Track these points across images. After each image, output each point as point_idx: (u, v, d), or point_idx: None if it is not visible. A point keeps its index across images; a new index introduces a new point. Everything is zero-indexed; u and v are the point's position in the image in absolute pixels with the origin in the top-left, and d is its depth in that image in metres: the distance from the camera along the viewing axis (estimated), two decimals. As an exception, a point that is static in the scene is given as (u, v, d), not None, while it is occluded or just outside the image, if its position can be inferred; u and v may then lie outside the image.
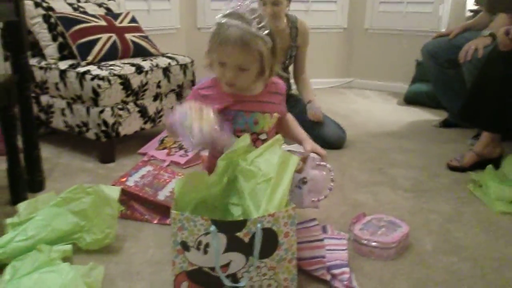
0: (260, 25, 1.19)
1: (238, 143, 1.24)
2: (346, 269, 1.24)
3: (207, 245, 1.07)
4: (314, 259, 1.24)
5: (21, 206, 1.42)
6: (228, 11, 1.22)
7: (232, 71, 1.24)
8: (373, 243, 1.34)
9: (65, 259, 1.28)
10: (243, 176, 1.19)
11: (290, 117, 1.50)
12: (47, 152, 2.16)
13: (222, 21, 1.21)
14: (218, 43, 1.21)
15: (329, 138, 2.29)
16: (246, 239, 1.06)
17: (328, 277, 1.22)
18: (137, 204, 1.60)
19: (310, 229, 1.30)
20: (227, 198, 1.27)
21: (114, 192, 1.41)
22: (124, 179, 1.66)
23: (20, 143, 1.70)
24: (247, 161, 1.21)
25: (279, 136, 1.26)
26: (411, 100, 3.35)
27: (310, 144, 1.42)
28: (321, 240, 1.28)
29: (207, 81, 1.37)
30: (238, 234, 1.06)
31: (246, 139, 1.24)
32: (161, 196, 1.60)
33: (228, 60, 1.22)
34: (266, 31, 1.21)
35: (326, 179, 1.34)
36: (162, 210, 1.57)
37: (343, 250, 1.33)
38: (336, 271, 1.23)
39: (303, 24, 2.43)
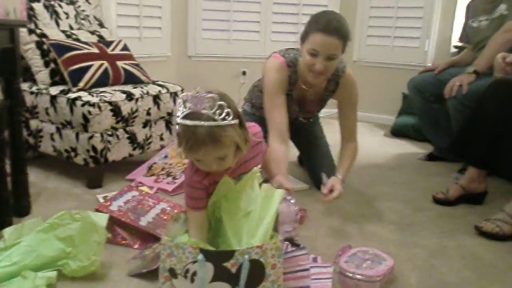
0: (223, 115, 1.14)
1: (220, 187, 1.25)
2: None
3: (194, 274, 1.08)
4: None
5: (7, 232, 1.41)
6: (187, 112, 1.14)
7: (213, 165, 1.20)
8: (358, 276, 1.34)
9: (50, 286, 1.27)
10: (226, 214, 1.21)
11: (268, 152, 1.53)
12: (34, 176, 2.15)
13: (186, 124, 1.14)
14: (189, 148, 1.16)
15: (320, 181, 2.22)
16: (233, 270, 1.07)
17: None
18: (119, 229, 1.61)
19: (297, 258, 1.31)
20: (217, 238, 1.28)
21: (101, 219, 1.40)
22: (108, 203, 1.67)
23: (7, 167, 1.69)
24: (228, 200, 1.23)
25: (256, 169, 1.29)
26: (397, 132, 3.42)
27: (277, 181, 1.54)
28: (307, 270, 1.29)
29: (190, 167, 1.32)
30: (225, 264, 1.07)
31: (228, 181, 1.26)
32: (143, 222, 1.60)
33: (205, 158, 1.19)
34: (231, 117, 1.15)
35: (290, 212, 1.37)
36: (143, 236, 1.58)
37: (327, 278, 1.33)
38: None
39: (348, 80, 2.00)
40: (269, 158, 1.67)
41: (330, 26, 1.69)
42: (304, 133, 2.29)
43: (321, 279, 1.33)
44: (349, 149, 2.03)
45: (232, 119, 1.16)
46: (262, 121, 1.86)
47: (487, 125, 1.93)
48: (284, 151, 1.84)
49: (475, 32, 2.62)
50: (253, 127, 1.39)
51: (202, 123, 1.12)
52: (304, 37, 1.77)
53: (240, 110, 2.15)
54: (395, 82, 3.63)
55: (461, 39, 2.93)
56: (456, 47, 3.39)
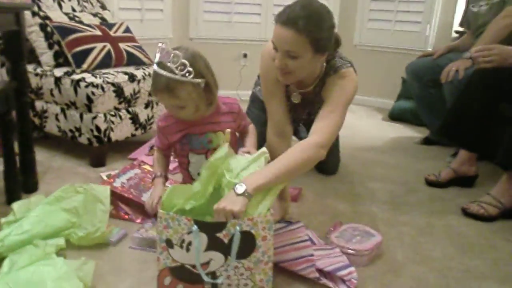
0: (183, 72, 1.28)
1: (216, 154, 1.31)
2: (352, 269, 1.34)
3: (189, 244, 1.16)
4: (301, 259, 1.32)
5: (15, 206, 1.50)
6: (157, 60, 1.31)
7: (172, 110, 1.40)
8: (348, 250, 1.42)
9: (59, 253, 1.36)
10: (229, 188, 1.24)
11: (250, 129, 1.60)
12: (40, 155, 2.21)
13: (154, 69, 1.32)
14: (152, 90, 1.37)
15: (327, 167, 2.22)
16: (226, 240, 1.15)
17: (315, 275, 1.29)
18: (122, 204, 1.69)
19: (295, 231, 1.38)
20: (212, 205, 1.34)
21: (104, 190, 1.51)
22: (111, 180, 1.74)
23: (15, 146, 1.77)
24: (232, 173, 1.28)
25: (264, 149, 1.34)
26: (395, 116, 3.46)
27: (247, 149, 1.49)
28: (306, 240, 1.36)
29: (164, 113, 1.51)
30: (218, 234, 1.14)
31: (224, 149, 1.31)
32: (145, 197, 1.68)
33: (165, 103, 1.39)
34: (191, 75, 1.29)
35: None
36: (145, 211, 1.65)
37: (340, 255, 1.40)
38: (343, 272, 1.32)
39: (338, 76, 1.58)
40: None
41: (288, 15, 1.37)
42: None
43: (335, 256, 1.40)
44: (298, 147, 1.42)
45: (194, 78, 1.30)
46: None
47: (474, 108, 1.99)
48: (279, 145, 1.65)
49: (475, 17, 2.64)
50: (229, 99, 1.53)
51: (163, 72, 1.29)
52: None
53: (251, 91, 2.19)
54: (395, 67, 3.66)
55: (461, 24, 2.95)
56: (457, 32, 3.40)
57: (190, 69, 1.29)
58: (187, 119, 1.42)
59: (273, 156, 1.52)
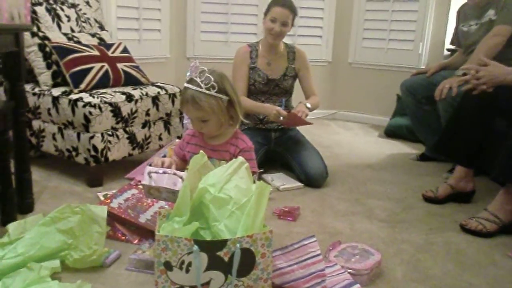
0: (207, 85, 1.44)
1: (193, 163, 1.29)
2: (358, 286, 1.33)
3: (189, 264, 1.14)
4: (311, 275, 1.32)
5: (11, 227, 1.48)
6: (188, 77, 1.50)
7: (196, 123, 1.52)
8: (347, 270, 1.41)
9: (54, 276, 1.34)
10: (214, 204, 1.22)
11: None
12: (36, 175, 2.21)
13: (184, 85, 1.49)
14: (180, 103, 1.58)
15: (311, 175, 2.29)
16: (226, 258, 1.14)
17: None
18: (119, 225, 1.68)
19: (307, 246, 1.38)
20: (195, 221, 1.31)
21: (101, 211, 1.49)
22: (108, 201, 1.73)
23: (11, 165, 1.76)
24: (215, 188, 1.23)
25: (241, 159, 1.31)
26: (391, 133, 3.48)
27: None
28: (318, 255, 1.36)
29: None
30: (218, 253, 1.14)
31: (202, 156, 1.31)
32: (143, 219, 1.67)
33: (190, 115, 1.53)
34: (215, 90, 1.44)
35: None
36: (142, 232, 1.65)
37: (342, 273, 1.39)
38: None
39: (300, 50, 2.61)
40: (249, 105, 2.40)
41: (285, 2, 2.40)
42: (290, 142, 2.51)
43: (338, 274, 1.38)
44: (312, 97, 2.55)
45: (217, 93, 1.45)
46: (256, 131, 2.48)
47: (468, 125, 2.01)
48: (247, 98, 2.48)
49: (465, 36, 2.70)
50: (246, 139, 1.60)
51: (191, 86, 1.45)
52: (266, 11, 2.43)
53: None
54: (390, 84, 3.70)
55: (452, 43, 3.01)
56: (449, 50, 3.46)
57: (214, 84, 1.43)
58: (210, 134, 1.55)
59: (248, 104, 2.39)
